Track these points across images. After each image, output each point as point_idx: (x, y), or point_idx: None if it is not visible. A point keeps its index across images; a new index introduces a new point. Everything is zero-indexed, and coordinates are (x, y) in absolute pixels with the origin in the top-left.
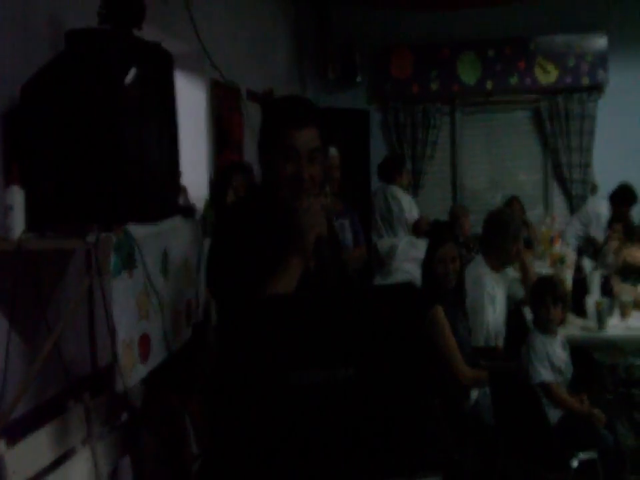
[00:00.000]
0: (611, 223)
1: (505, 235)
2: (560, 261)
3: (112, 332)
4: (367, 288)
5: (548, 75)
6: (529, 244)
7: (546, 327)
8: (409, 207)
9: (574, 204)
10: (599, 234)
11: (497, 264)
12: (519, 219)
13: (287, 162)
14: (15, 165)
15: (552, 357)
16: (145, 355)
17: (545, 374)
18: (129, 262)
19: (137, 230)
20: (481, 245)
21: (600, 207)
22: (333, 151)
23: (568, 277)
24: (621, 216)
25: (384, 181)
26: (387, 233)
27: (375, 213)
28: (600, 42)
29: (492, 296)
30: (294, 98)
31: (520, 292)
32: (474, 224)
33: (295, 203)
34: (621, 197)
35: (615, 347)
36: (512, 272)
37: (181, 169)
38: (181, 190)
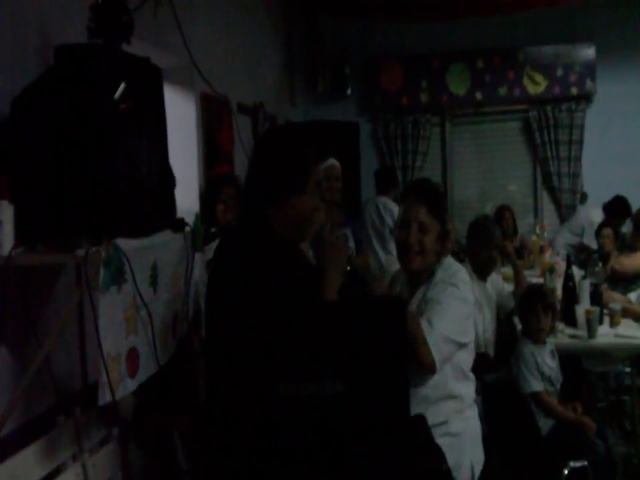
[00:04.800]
0: (599, 229)
1: (488, 243)
2: (549, 270)
3: (98, 346)
4: (357, 302)
5: (537, 85)
6: (519, 253)
7: (535, 336)
8: None
9: (563, 213)
10: (593, 242)
11: (483, 272)
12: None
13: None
14: (3, 179)
15: (541, 366)
16: (133, 370)
17: (534, 384)
18: (118, 276)
19: (127, 243)
20: (466, 254)
21: (592, 216)
22: (334, 162)
23: (558, 285)
24: (611, 225)
25: (379, 191)
26: (379, 245)
27: (366, 224)
28: (588, 52)
29: (480, 303)
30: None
31: (510, 302)
32: (463, 234)
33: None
34: (616, 209)
35: (605, 355)
36: (503, 283)
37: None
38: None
